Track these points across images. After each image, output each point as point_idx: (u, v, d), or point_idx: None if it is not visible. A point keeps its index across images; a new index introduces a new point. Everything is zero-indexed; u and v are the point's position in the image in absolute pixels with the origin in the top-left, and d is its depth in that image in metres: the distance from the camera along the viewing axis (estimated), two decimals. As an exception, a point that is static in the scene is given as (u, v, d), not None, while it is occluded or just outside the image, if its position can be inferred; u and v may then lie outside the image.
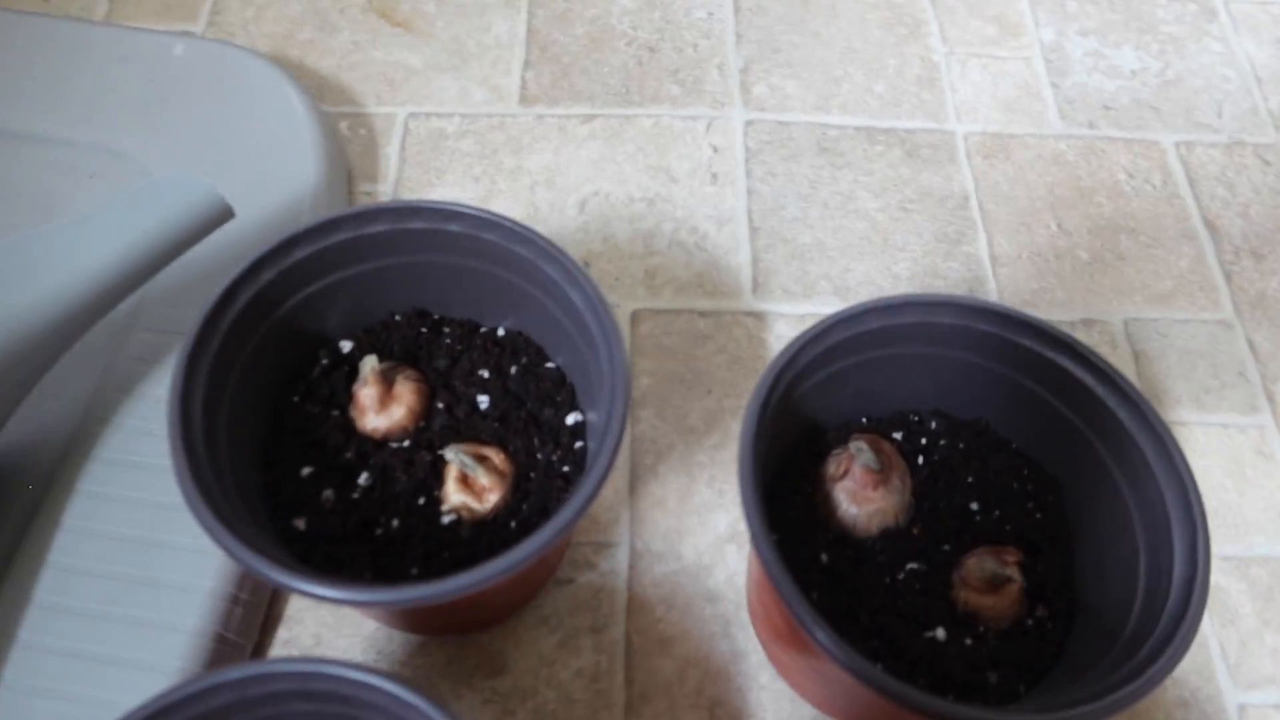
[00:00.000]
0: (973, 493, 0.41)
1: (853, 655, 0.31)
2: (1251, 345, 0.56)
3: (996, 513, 0.41)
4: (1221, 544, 0.49)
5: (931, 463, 0.42)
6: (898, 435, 0.43)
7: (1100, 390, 0.38)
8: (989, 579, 0.38)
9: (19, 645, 0.41)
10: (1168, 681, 0.45)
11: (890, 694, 0.31)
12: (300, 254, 0.39)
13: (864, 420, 0.44)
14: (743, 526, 0.48)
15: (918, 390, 0.43)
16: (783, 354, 0.37)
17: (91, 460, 0.45)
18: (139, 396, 0.47)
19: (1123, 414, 0.37)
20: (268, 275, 0.38)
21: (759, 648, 0.45)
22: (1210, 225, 0.60)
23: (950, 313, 0.39)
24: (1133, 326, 0.56)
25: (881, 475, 0.40)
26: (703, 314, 0.55)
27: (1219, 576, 0.49)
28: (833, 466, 0.41)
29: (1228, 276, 0.58)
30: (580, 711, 0.43)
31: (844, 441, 0.42)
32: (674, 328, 0.54)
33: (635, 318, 0.54)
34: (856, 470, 0.40)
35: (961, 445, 0.42)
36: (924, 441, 0.43)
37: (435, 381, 0.43)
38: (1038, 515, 0.41)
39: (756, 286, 0.55)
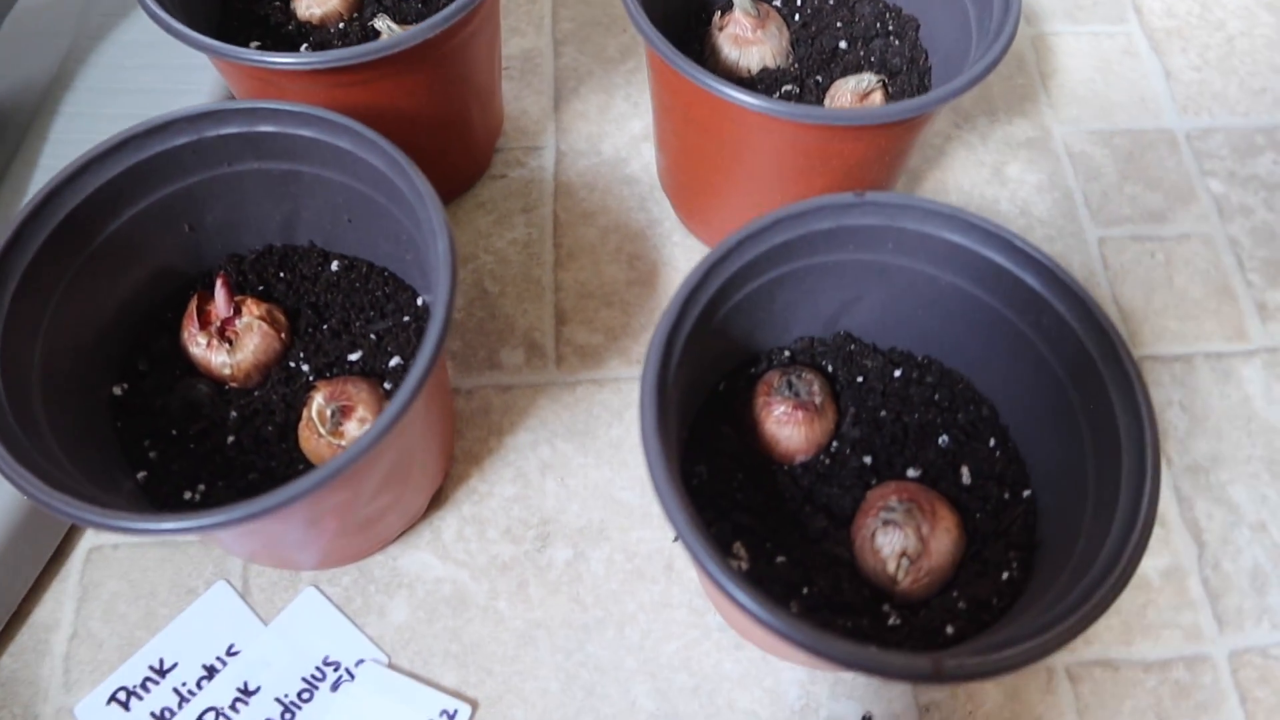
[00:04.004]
0: (842, 35, 0.47)
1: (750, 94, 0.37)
2: (1123, -29, 0.61)
3: (862, 52, 0.47)
4: (1090, 123, 0.55)
5: (806, 14, 0.48)
6: (776, 2, 0.49)
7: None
8: (854, 90, 0.44)
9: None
10: (1037, 225, 0.51)
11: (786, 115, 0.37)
12: None
13: (746, -6, 0.49)
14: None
15: (791, -41, 0.48)
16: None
17: (73, 89, 0.51)
18: (112, 41, 0.52)
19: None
20: None
21: (672, 214, 0.51)
22: (1088, -120, 0.65)
23: None
24: (1013, -38, 0.61)
25: (758, 20, 0.46)
26: (617, -28, 0.60)
27: (1086, 146, 0.54)
28: (717, 18, 0.47)
29: (1102, -82, 0.63)
30: (515, 270, 0.50)
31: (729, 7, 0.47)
32: (591, -16, 0.59)
33: (556, -22, 0.60)
34: (737, 15, 0.46)
35: (831, 1, 0.48)
36: (798, 3, 0.48)
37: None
38: (897, 43, 0.46)
39: (666, -52, 0.61)
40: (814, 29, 0.47)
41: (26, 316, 0.34)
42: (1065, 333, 0.34)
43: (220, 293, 0.39)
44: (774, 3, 0.49)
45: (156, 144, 0.37)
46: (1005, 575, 0.35)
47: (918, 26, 0.47)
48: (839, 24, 0.47)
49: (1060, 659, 0.41)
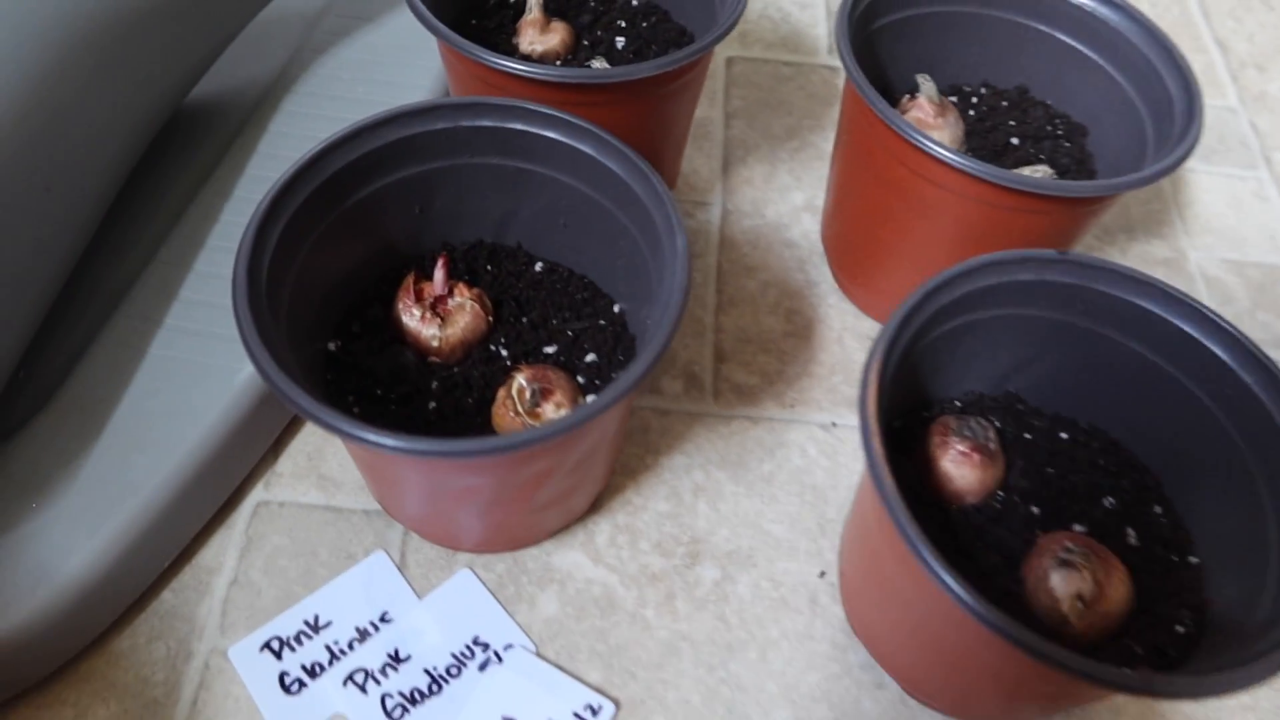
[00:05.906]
0: (1014, 132, 0.51)
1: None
2: (1254, 125, 0.65)
3: (1032, 149, 0.50)
4: (1223, 251, 0.58)
5: (980, 111, 0.52)
6: (953, 99, 0.53)
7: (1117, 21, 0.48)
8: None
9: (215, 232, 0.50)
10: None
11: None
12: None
13: (926, 87, 0.53)
14: (818, 201, 0.57)
15: (968, 63, 0.53)
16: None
17: (292, 92, 0.55)
18: (332, 55, 0.57)
19: (1138, 41, 0.47)
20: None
21: (829, 279, 0.54)
22: (1221, 43, 0.70)
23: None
24: (1150, 104, 0.65)
25: (940, 107, 0.50)
26: (786, 64, 0.65)
27: (1219, 272, 0.57)
28: (904, 101, 0.51)
29: (1234, 78, 0.68)
30: (679, 307, 0.52)
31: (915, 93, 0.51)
32: (762, 71, 0.64)
33: (730, 62, 0.65)
34: (921, 100, 0.50)
35: (1005, 103, 0.52)
36: (974, 101, 0.52)
37: (582, 30, 0.53)
38: (1066, 144, 0.50)
39: (832, 49, 0.66)
40: (988, 124, 0.51)
41: (285, 257, 0.37)
42: (1250, 402, 0.36)
43: (439, 272, 0.41)
44: (952, 99, 0.53)
45: (419, 124, 0.40)
46: (1180, 629, 0.35)
47: (1085, 133, 0.51)
48: (1011, 122, 0.51)
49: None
